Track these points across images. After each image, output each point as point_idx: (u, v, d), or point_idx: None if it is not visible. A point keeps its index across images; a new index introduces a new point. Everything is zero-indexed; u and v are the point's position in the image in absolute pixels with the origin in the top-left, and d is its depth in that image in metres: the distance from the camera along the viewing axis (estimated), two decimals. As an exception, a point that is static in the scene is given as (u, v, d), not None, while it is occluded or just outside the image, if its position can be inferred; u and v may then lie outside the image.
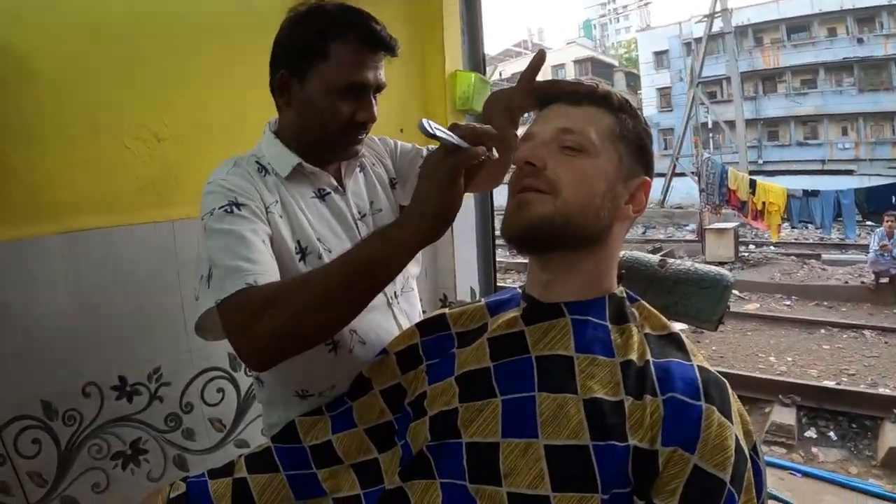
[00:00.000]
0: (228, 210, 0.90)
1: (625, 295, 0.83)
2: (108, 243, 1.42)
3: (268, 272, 0.85)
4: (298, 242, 0.99)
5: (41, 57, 1.32)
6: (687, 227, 15.12)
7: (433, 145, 1.25)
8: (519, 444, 0.69)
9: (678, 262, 1.12)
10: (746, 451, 0.68)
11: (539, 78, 0.97)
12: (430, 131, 0.67)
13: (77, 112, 1.38)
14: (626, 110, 0.81)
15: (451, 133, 0.71)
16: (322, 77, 0.97)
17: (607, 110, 0.80)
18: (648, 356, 0.73)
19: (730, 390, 0.71)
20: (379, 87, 1.02)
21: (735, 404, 0.70)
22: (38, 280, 1.33)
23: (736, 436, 0.66)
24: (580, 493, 0.65)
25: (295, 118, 1.03)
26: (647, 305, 0.83)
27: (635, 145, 0.80)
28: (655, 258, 1.12)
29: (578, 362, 0.73)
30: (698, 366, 0.72)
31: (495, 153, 0.74)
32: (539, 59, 0.94)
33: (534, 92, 0.91)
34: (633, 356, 0.73)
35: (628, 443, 0.66)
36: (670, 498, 0.64)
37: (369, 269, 0.76)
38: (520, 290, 0.89)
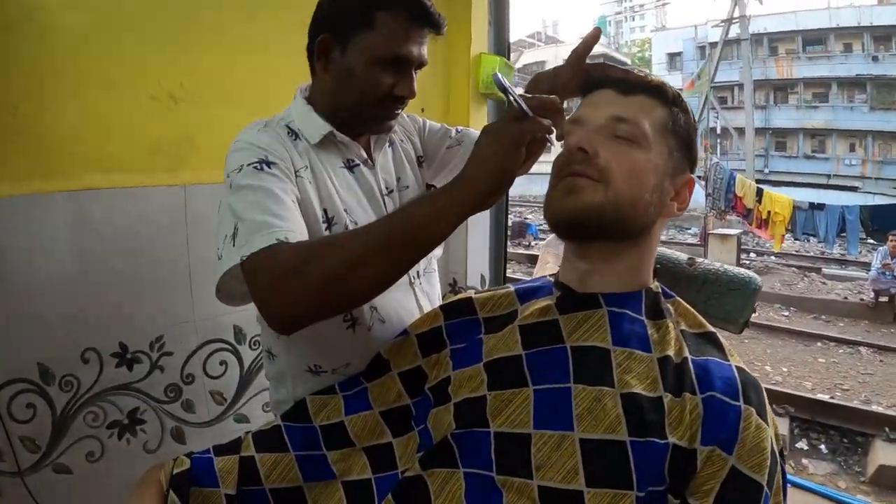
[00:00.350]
0: (258, 167, 0.86)
1: (660, 290, 0.81)
2: (116, 205, 1.38)
3: (298, 230, 0.80)
4: (325, 211, 0.95)
5: (59, 5, 1.27)
6: (689, 231, 15.12)
7: (461, 126, 1.23)
8: (553, 437, 0.67)
9: (706, 261, 1.10)
10: (777, 456, 0.67)
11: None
12: (504, 84, 0.66)
13: (92, 66, 1.33)
14: (679, 104, 0.79)
15: (521, 97, 0.68)
16: (365, 46, 0.93)
17: (661, 102, 0.78)
18: (686, 353, 0.72)
19: (765, 393, 0.70)
20: (421, 64, 0.98)
21: (768, 408, 0.69)
22: (41, 239, 1.29)
23: (770, 438, 0.66)
24: (615, 490, 0.63)
25: (331, 85, 0.98)
26: (682, 302, 0.82)
27: (685, 141, 0.79)
28: (684, 256, 1.11)
29: (615, 355, 0.71)
30: (736, 366, 0.71)
31: (553, 141, 0.72)
32: (593, 36, 0.91)
33: (583, 72, 0.88)
34: (671, 352, 0.71)
35: (668, 440, 0.64)
36: (705, 498, 0.63)
37: (414, 230, 0.71)
38: (551, 279, 0.87)
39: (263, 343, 1.08)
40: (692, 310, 0.81)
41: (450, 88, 2.17)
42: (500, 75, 0.67)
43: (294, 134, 0.98)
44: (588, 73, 0.86)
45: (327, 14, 0.96)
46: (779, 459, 0.67)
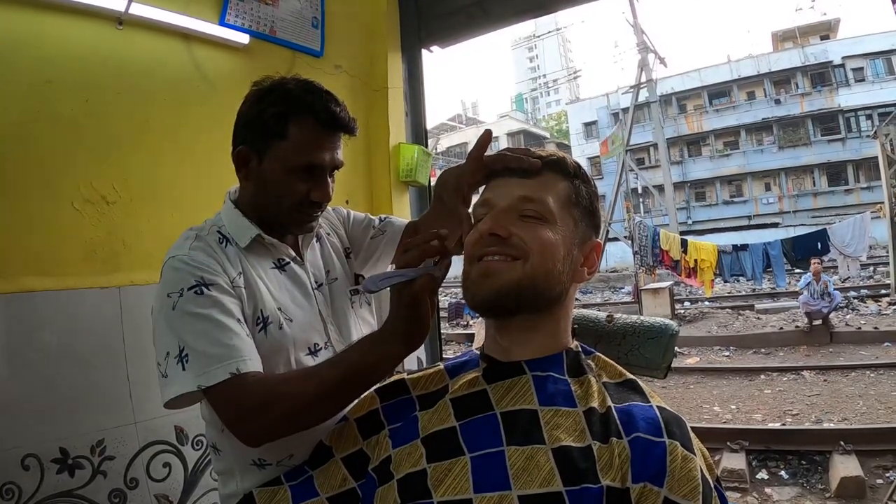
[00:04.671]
0: (198, 291, 0.91)
1: (580, 349, 0.87)
2: (50, 307, 1.37)
3: (249, 356, 0.89)
4: (262, 312, 0.99)
5: None
6: (623, 290, 15.49)
7: (385, 214, 1.30)
8: (493, 498, 0.70)
9: (625, 316, 1.17)
10: (711, 482, 0.71)
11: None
12: (378, 288, 0.77)
13: (26, 168, 1.35)
14: (580, 176, 0.86)
15: (396, 273, 0.78)
16: (279, 156, 0.99)
17: (562, 176, 0.85)
18: (609, 402, 0.77)
19: (689, 427, 0.75)
20: (335, 167, 1.05)
21: (695, 440, 0.74)
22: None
23: (700, 467, 0.70)
24: None
25: (252, 192, 1.05)
26: (602, 356, 0.88)
27: (588, 210, 0.86)
28: (602, 314, 1.17)
29: (543, 414, 0.75)
30: (657, 406, 0.76)
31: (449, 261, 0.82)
32: (485, 138, 0.97)
33: (484, 168, 0.92)
34: (595, 404, 0.76)
35: (601, 484, 0.68)
36: None
37: (363, 372, 0.85)
38: (477, 352, 0.91)
39: (208, 439, 1.07)
40: (612, 362, 0.87)
41: (372, 178, 2.28)
42: (368, 283, 0.78)
43: (225, 239, 1.03)
44: (489, 168, 0.91)
45: (244, 125, 1.02)
46: (714, 486, 0.71)
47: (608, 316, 1.17)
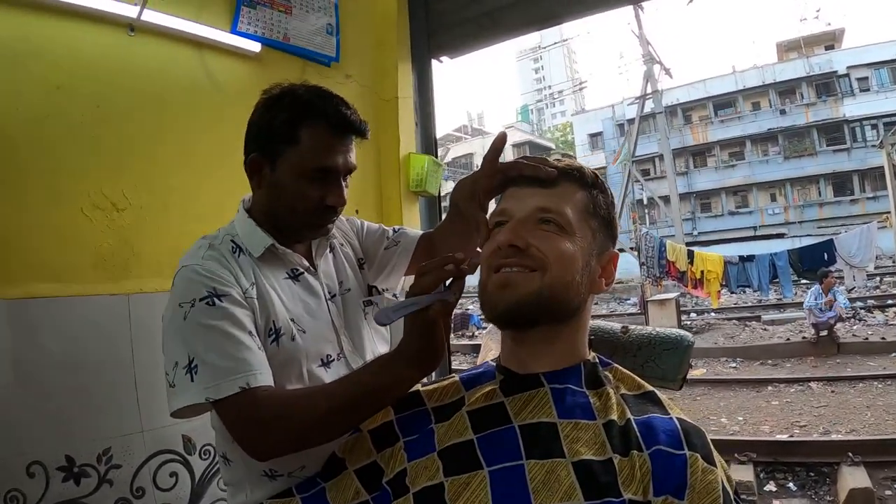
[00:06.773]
0: (210, 302, 0.91)
1: (597, 360, 0.85)
2: (58, 314, 1.36)
3: (259, 370, 0.89)
4: (274, 323, 0.99)
5: (2, 114, 1.31)
6: (629, 301, 15.36)
7: (398, 225, 1.29)
8: None
9: (639, 327, 1.16)
10: (731, 494, 0.70)
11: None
12: (391, 320, 0.77)
13: (36, 174, 1.35)
14: (597, 186, 0.85)
15: (409, 302, 0.78)
16: (291, 161, 0.99)
17: (580, 186, 0.84)
18: (628, 415, 0.76)
19: (708, 438, 0.74)
20: (349, 171, 1.04)
21: (715, 451, 0.73)
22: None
23: (721, 479, 0.69)
24: None
25: (265, 200, 1.04)
26: (620, 368, 0.86)
27: (606, 220, 0.85)
28: (617, 325, 1.16)
29: (562, 427, 0.74)
30: (677, 417, 0.75)
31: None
32: (500, 140, 0.94)
33: (499, 174, 0.90)
34: (614, 416, 0.75)
35: (623, 497, 0.67)
36: None
37: (376, 393, 0.86)
38: (493, 364, 0.90)
39: (218, 448, 1.06)
40: (630, 373, 0.85)
41: (382, 188, 2.27)
42: (381, 315, 0.78)
43: (238, 249, 1.02)
44: (505, 174, 0.88)
45: (255, 133, 1.02)
46: (733, 498, 0.70)
47: (623, 327, 1.15)
